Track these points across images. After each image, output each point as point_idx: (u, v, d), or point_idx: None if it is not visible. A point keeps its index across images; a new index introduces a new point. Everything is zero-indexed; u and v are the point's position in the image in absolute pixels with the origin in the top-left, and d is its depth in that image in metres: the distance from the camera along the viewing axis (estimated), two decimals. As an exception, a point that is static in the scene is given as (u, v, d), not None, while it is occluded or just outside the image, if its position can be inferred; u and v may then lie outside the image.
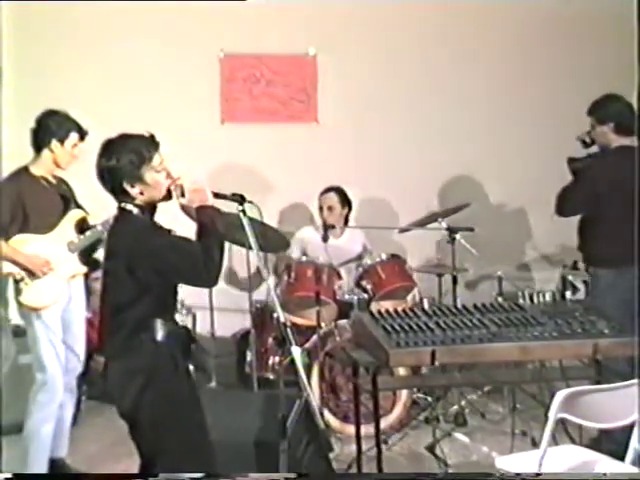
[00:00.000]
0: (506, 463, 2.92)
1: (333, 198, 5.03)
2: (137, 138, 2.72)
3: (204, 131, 5.26)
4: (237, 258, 4.63)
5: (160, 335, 2.68)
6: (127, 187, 2.69)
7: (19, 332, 4.27)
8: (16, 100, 4.66)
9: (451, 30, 5.47)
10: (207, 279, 2.66)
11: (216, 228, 2.67)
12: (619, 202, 3.86)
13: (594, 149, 4.09)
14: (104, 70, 5.10)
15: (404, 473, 3.81)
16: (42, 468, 3.70)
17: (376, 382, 3.11)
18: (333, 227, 4.87)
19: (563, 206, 4.05)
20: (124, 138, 2.72)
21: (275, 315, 4.66)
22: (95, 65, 5.10)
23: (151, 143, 2.72)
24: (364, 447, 3.43)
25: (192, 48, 5.21)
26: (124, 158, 2.67)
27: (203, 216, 2.70)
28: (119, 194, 2.72)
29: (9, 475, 2.89)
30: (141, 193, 2.70)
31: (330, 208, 5.01)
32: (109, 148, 2.71)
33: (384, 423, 4.13)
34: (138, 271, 2.64)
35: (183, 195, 2.73)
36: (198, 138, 5.16)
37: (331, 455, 3.58)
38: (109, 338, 2.74)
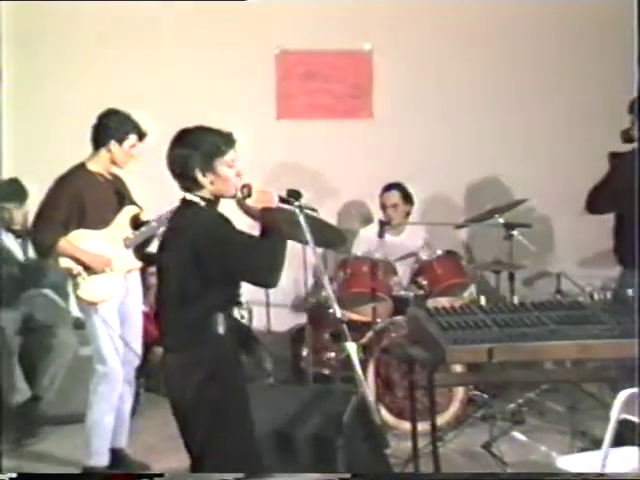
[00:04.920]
0: (568, 463, 2.87)
1: (396, 195, 4.99)
2: (215, 131, 2.72)
3: (259, 128, 5.28)
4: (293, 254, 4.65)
5: (222, 329, 2.67)
6: (198, 175, 2.66)
7: (79, 324, 4.38)
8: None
9: (514, 27, 5.36)
10: (269, 279, 2.68)
11: (280, 230, 2.69)
12: None
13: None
14: (174, 69, 5.16)
15: (468, 473, 3.76)
16: (104, 458, 3.79)
17: (432, 379, 3.09)
18: (389, 224, 4.84)
19: (592, 203, 3.99)
20: (201, 129, 2.71)
21: (331, 311, 4.66)
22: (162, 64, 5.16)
23: (228, 139, 2.72)
24: (419, 444, 3.40)
25: (247, 45, 5.24)
26: (202, 147, 2.66)
27: (268, 218, 2.71)
28: (187, 182, 2.69)
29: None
30: (211, 183, 2.69)
31: (394, 206, 4.97)
32: (184, 137, 2.70)
33: (440, 420, 4.09)
34: (206, 263, 2.62)
35: (250, 195, 2.74)
36: (253, 135, 5.17)
37: (387, 451, 3.57)
38: (171, 331, 2.74)
